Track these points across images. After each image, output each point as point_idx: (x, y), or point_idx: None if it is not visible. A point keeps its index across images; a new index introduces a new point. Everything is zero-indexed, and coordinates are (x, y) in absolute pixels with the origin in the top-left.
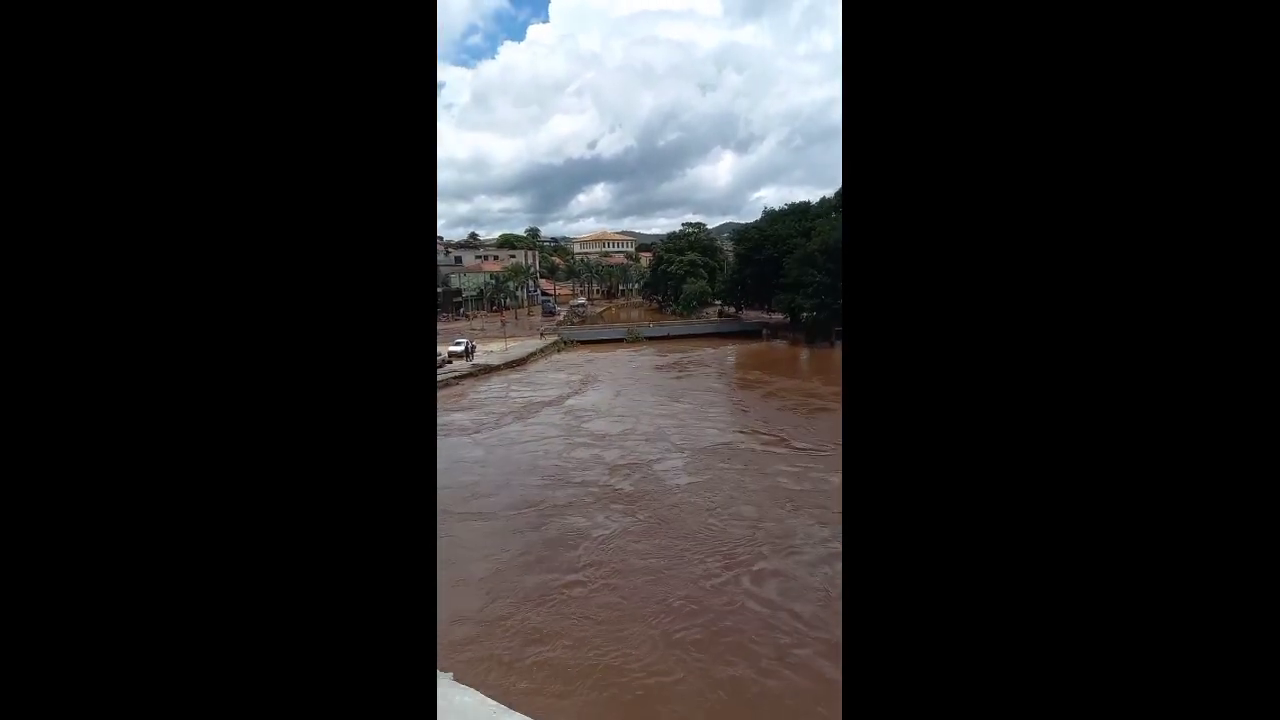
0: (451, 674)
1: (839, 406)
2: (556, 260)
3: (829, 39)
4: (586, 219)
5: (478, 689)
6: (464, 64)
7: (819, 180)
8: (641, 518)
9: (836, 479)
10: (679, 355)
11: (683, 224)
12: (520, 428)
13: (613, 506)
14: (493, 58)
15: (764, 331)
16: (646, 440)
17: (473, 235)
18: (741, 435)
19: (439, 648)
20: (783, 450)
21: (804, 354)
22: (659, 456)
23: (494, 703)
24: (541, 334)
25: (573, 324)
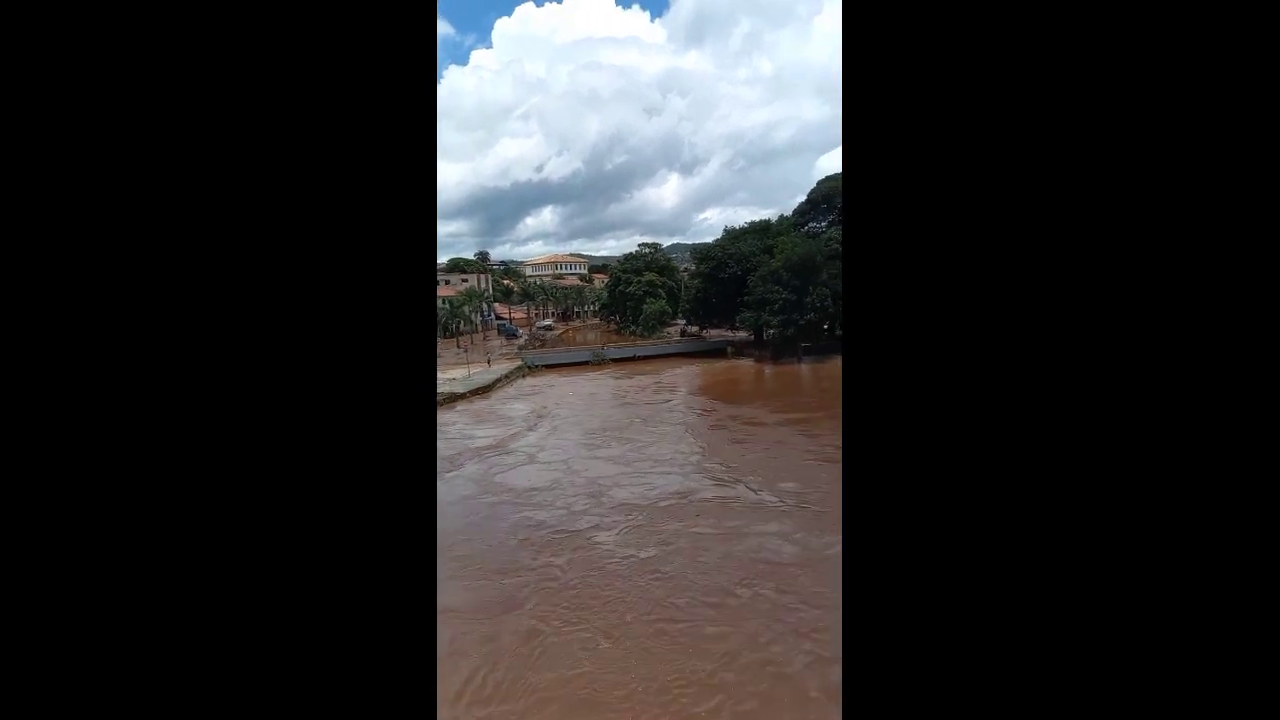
0: None
1: (828, 434)
2: (509, 283)
3: (767, 64)
4: (534, 242)
5: None
6: None
7: (761, 201)
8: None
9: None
10: (652, 378)
11: (639, 244)
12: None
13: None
14: (439, 80)
15: (728, 349)
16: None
17: None
18: (714, 481)
19: None
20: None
21: (768, 370)
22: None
23: None
24: (491, 360)
25: (534, 348)
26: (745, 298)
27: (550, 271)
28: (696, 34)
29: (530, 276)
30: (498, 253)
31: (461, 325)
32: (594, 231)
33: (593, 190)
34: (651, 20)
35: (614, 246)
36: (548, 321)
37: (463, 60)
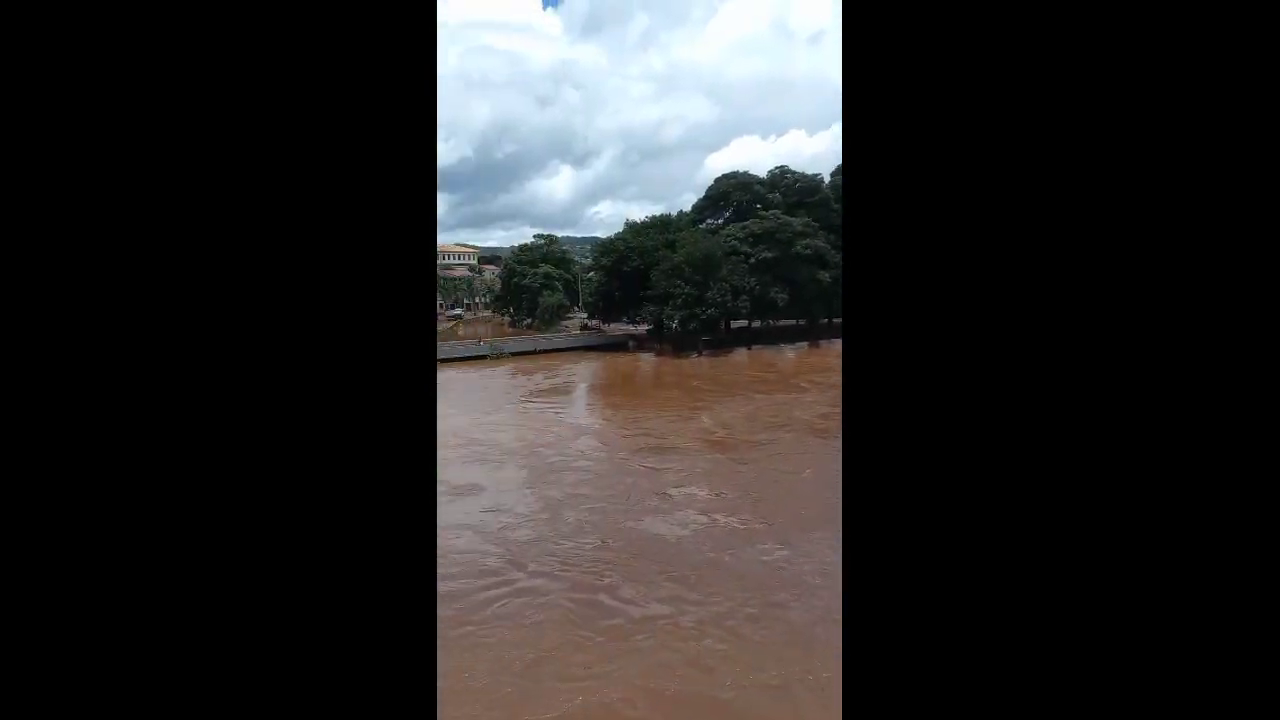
0: None
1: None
2: None
3: (659, 60)
4: None
5: None
6: None
7: (652, 196)
8: None
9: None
10: (558, 377)
11: (534, 236)
12: None
13: None
14: None
15: (630, 343)
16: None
17: None
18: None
19: None
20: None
21: (678, 365)
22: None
23: None
24: None
25: None
26: (647, 291)
27: (437, 261)
28: (594, 25)
29: None
30: None
31: None
32: (481, 221)
33: (481, 179)
34: (543, 8)
35: (502, 237)
36: (457, 311)
37: None
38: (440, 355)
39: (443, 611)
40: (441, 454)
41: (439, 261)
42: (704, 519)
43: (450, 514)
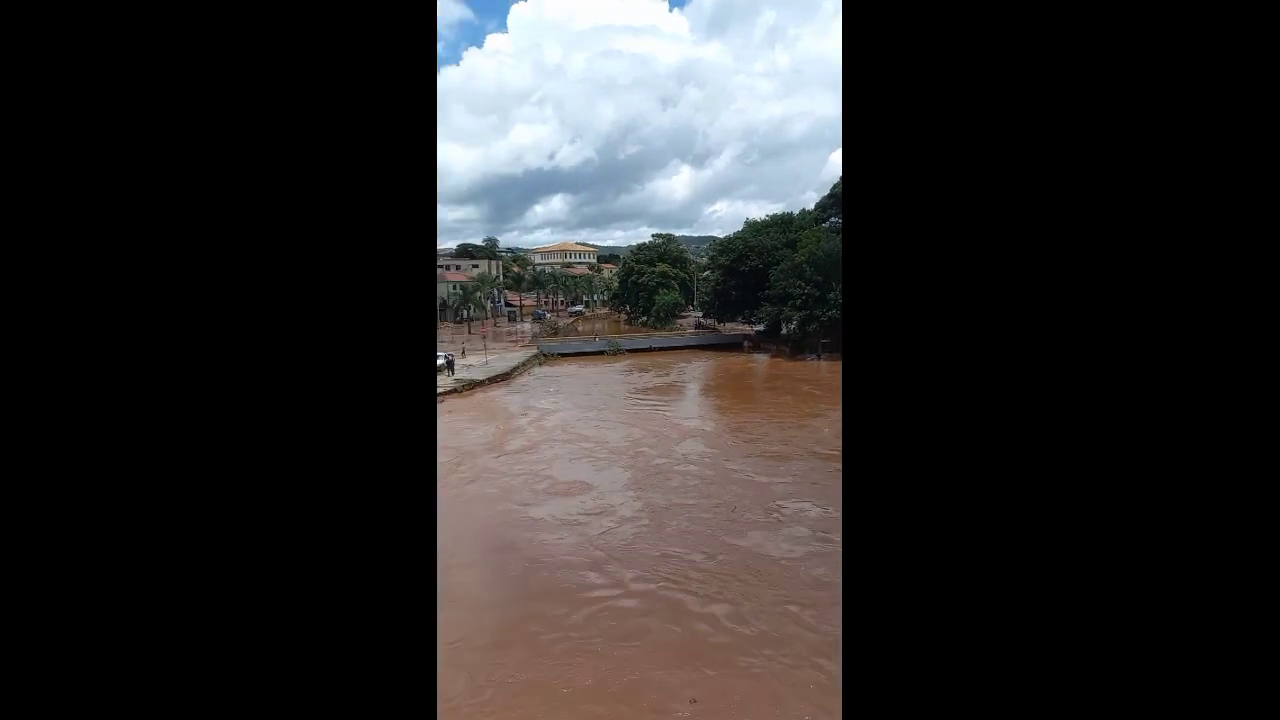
0: None
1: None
2: (518, 270)
3: (785, 57)
4: (542, 230)
5: None
6: None
7: (771, 195)
8: None
9: None
10: (670, 376)
11: (652, 235)
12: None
13: None
14: (456, 64)
15: (745, 344)
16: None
17: None
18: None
19: None
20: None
21: (795, 368)
22: None
23: None
24: (494, 347)
25: (546, 336)
26: (766, 291)
27: (559, 259)
28: (720, 24)
29: (539, 264)
30: (506, 240)
31: (474, 310)
32: (601, 221)
33: (603, 179)
34: (669, 10)
35: (621, 237)
36: (579, 307)
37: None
38: (562, 350)
39: (544, 614)
40: (551, 449)
41: (561, 259)
42: (816, 538)
43: (553, 511)
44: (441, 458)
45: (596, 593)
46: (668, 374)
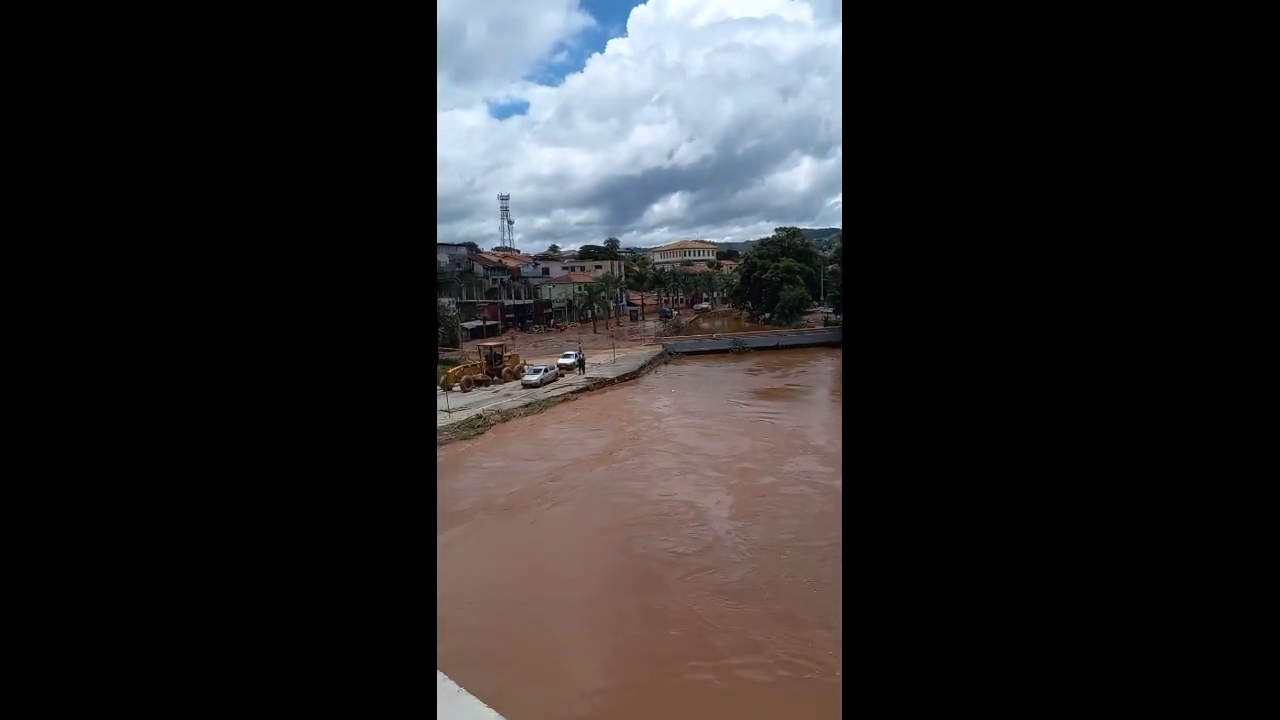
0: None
1: None
2: (639, 269)
3: None
4: (660, 229)
5: None
6: (549, 82)
7: None
8: None
9: None
10: (790, 377)
11: (775, 229)
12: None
13: None
14: (580, 71)
15: None
16: None
17: (553, 248)
18: None
19: None
20: None
21: None
22: None
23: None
24: (621, 344)
25: (670, 334)
26: None
27: (677, 258)
28: None
29: (659, 262)
30: (625, 240)
31: (598, 310)
32: (719, 218)
33: (721, 175)
34: None
35: (738, 233)
36: (704, 304)
37: (603, 50)
38: (688, 348)
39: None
40: (655, 461)
41: (680, 257)
42: None
43: (641, 544)
44: (590, 456)
45: (687, 658)
46: (797, 373)
